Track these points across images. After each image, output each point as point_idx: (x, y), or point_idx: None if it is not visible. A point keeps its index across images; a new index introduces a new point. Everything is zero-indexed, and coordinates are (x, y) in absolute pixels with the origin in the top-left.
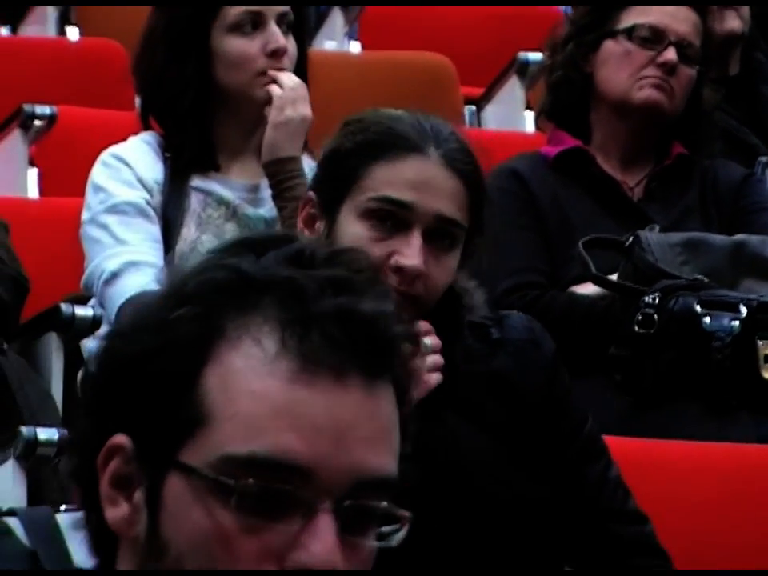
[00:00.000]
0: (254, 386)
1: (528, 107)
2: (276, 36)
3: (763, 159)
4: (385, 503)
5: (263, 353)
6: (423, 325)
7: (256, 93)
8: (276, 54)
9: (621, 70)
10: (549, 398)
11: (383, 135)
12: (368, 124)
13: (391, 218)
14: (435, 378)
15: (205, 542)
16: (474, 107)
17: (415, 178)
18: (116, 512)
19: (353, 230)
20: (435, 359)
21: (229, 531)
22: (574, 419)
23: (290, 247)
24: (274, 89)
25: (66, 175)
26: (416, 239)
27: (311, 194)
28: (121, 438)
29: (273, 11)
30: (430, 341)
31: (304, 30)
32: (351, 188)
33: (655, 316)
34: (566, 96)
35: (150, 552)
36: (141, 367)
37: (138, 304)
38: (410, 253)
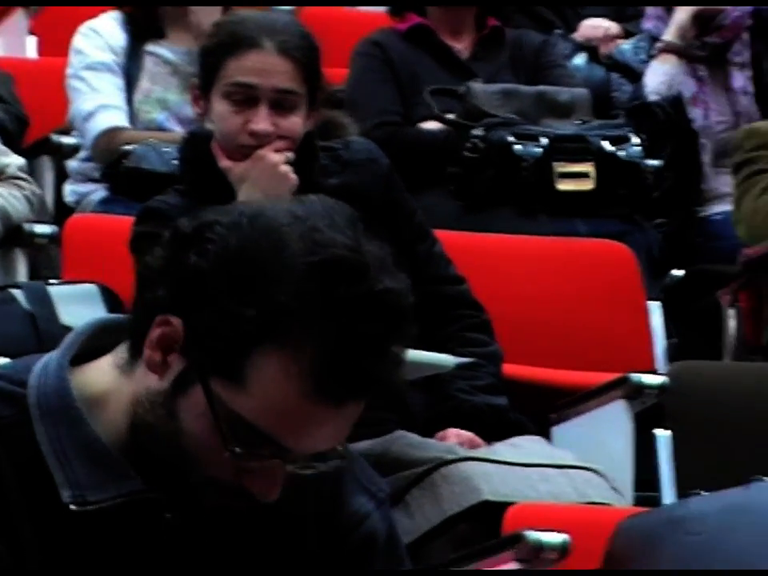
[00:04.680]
0: (277, 385)
1: None
2: None
3: (558, 31)
4: (322, 465)
5: (294, 367)
6: (288, 155)
7: None
8: None
9: None
10: (388, 200)
11: (230, 37)
12: (220, 28)
13: (243, 96)
14: (294, 176)
15: (200, 445)
16: None
17: (255, 66)
18: (153, 356)
19: (219, 107)
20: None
21: (218, 452)
22: (407, 212)
23: (357, 289)
24: None
25: (56, 41)
26: (262, 110)
27: (194, 80)
28: (177, 323)
29: None
30: (291, 154)
31: None
32: (215, 78)
33: (480, 144)
34: None
35: (167, 412)
36: (216, 306)
37: (243, 238)
38: (258, 120)
